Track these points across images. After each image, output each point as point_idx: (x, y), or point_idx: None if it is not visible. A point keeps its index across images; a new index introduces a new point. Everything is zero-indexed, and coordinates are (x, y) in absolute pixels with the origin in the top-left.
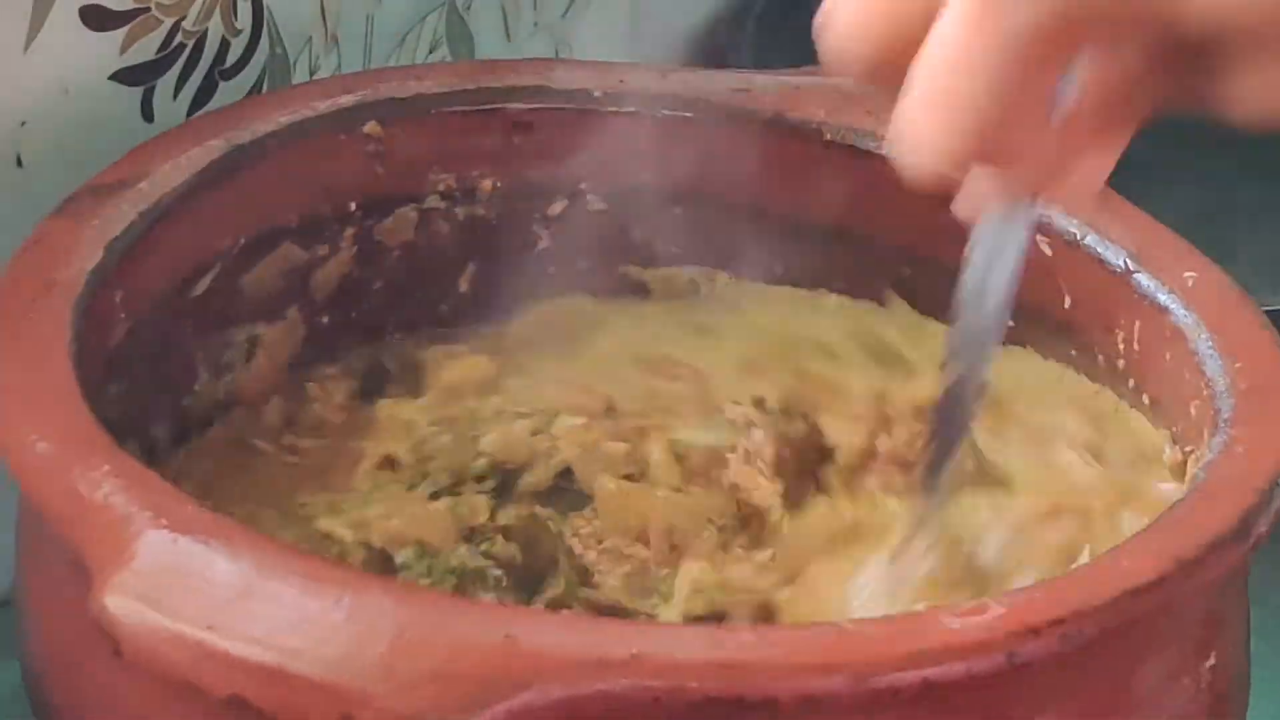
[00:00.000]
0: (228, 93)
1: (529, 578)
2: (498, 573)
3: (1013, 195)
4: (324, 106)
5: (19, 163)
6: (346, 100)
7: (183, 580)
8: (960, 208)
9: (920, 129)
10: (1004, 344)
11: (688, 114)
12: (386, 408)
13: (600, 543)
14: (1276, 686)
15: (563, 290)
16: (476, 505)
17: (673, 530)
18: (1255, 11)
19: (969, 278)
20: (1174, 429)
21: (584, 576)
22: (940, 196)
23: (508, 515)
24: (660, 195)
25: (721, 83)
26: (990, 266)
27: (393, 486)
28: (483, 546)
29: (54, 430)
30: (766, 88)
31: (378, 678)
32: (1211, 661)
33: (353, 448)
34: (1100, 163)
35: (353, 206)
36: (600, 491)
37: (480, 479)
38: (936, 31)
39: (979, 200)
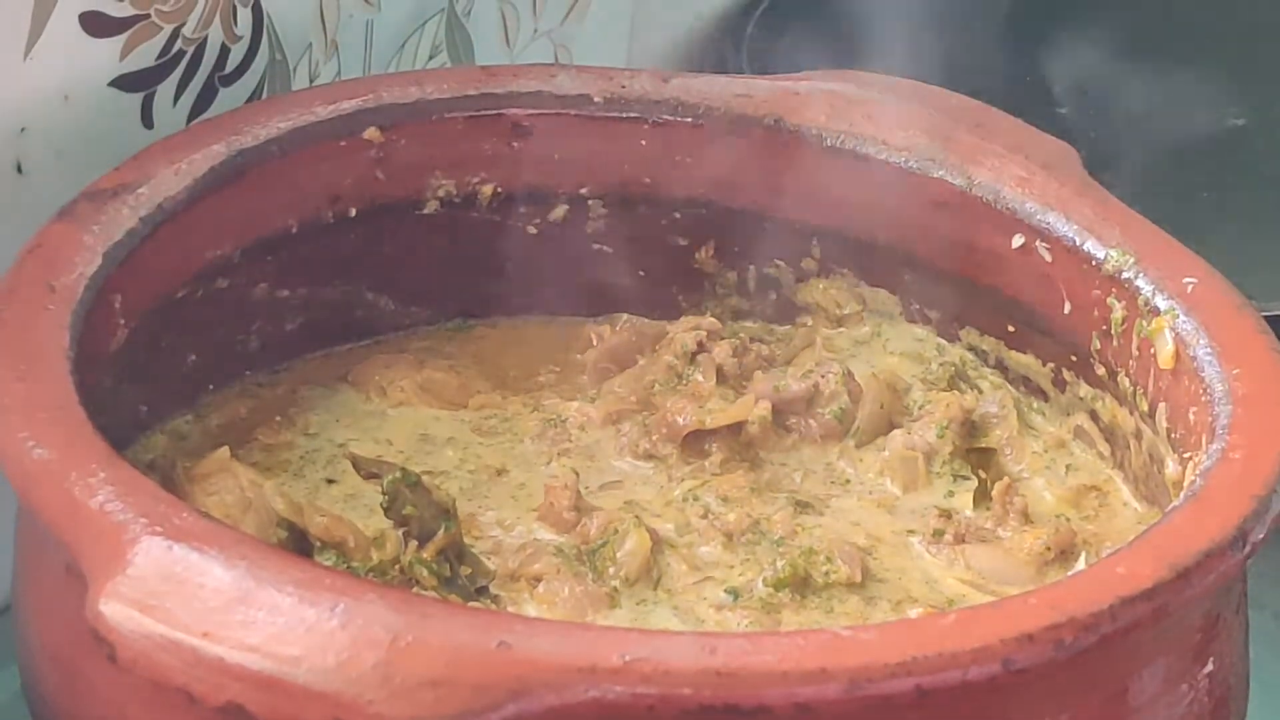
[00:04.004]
0: (228, 99)
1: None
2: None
3: None
4: (325, 112)
5: (19, 169)
6: (348, 105)
7: (178, 587)
8: None
9: None
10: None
11: (689, 119)
12: None
13: None
14: (1276, 692)
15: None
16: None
17: None
18: None
19: None
20: (1173, 435)
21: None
22: (937, 202)
23: None
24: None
25: (723, 88)
26: None
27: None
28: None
29: (51, 437)
30: (768, 93)
31: (373, 685)
32: (1209, 668)
33: None
34: None
35: (353, 212)
36: None
37: None
38: None
39: None
